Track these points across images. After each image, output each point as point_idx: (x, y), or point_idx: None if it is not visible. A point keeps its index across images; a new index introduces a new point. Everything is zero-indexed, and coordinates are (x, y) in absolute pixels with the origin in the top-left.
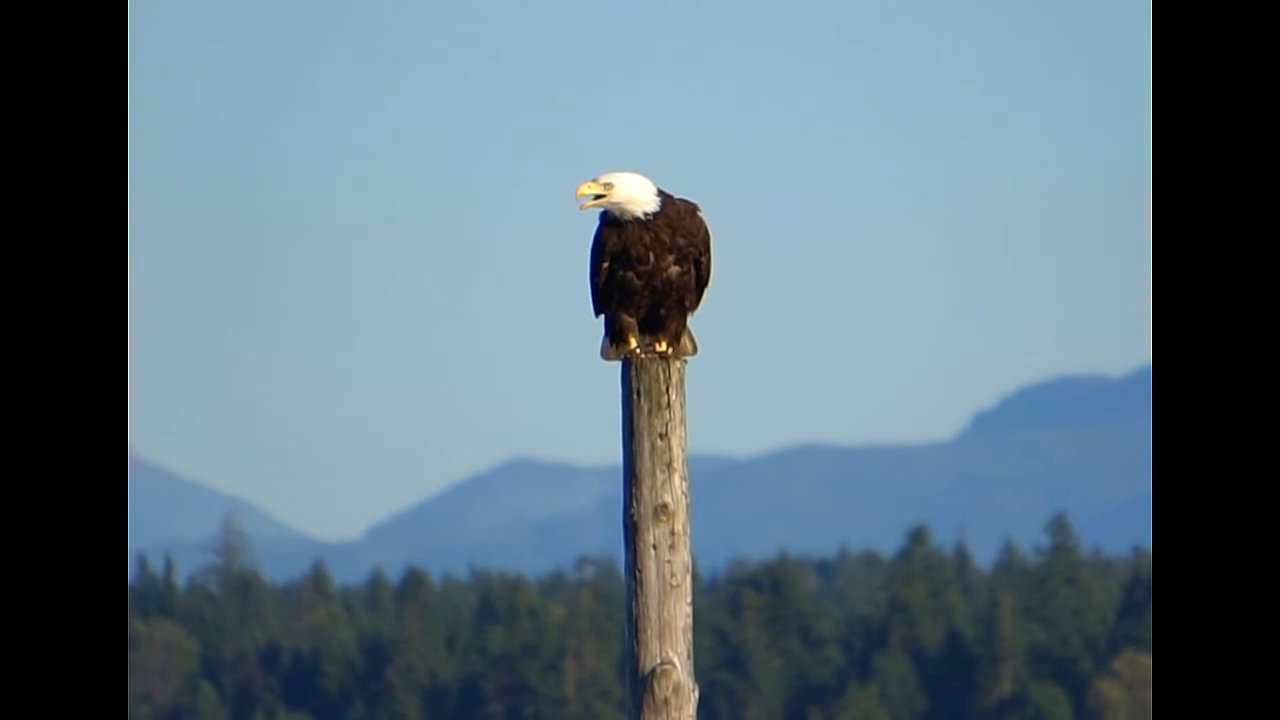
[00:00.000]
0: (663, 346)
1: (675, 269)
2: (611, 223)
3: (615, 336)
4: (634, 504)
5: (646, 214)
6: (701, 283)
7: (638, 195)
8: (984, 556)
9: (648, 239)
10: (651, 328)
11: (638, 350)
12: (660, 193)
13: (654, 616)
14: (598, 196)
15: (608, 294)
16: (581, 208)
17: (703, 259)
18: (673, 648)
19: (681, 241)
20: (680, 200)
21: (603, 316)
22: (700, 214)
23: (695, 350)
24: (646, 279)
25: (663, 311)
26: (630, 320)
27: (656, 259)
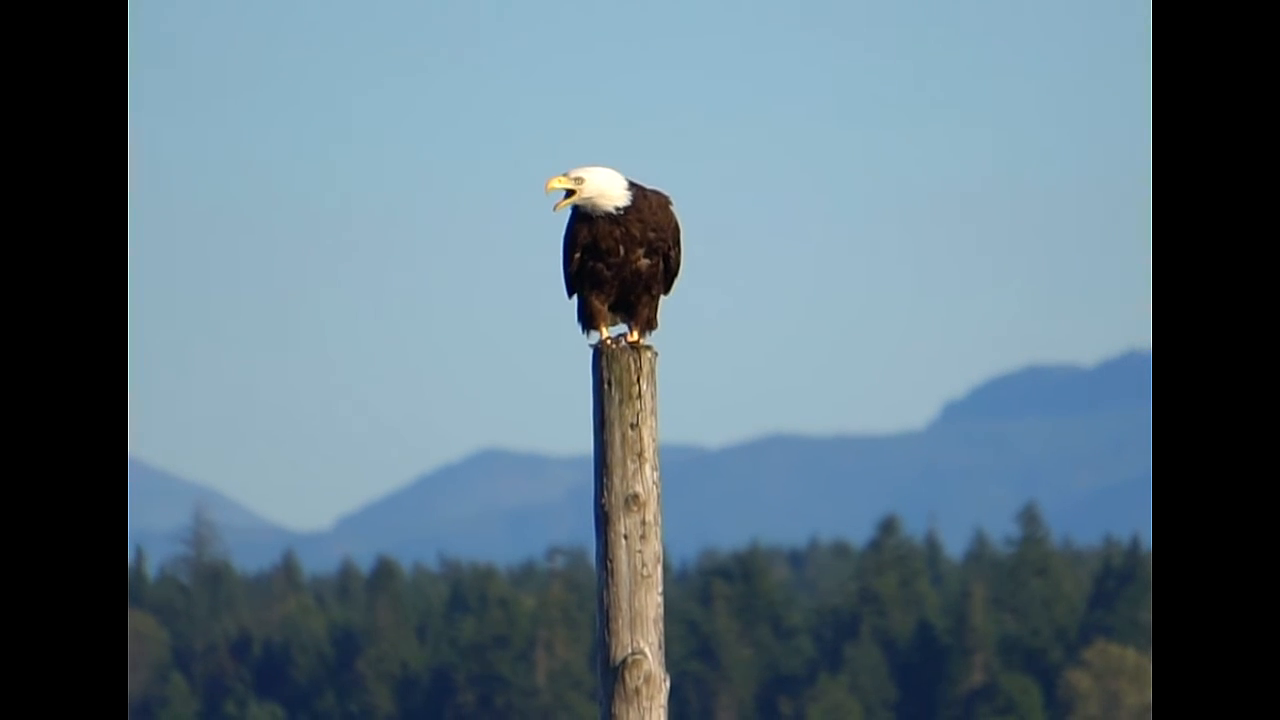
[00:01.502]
0: (634, 337)
1: (645, 262)
2: (583, 217)
3: (587, 322)
4: (605, 494)
5: (618, 209)
6: (671, 274)
7: (609, 190)
8: (954, 547)
9: (618, 234)
10: (623, 309)
11: (608, 341)
12: (632, 186)
13: (625, 606)
14: (569, 193)
15: (579, 280)
16: (554, 209)
17: (672, 252)
18: (644, 638)
19: (652, 235)
20: (652, 192)
21: (575, 296)
22: (672, 207)
23: (656, 326)
24: (616, 270)
25: (632, 298)
26: (600, 306)
27: (626, 252)
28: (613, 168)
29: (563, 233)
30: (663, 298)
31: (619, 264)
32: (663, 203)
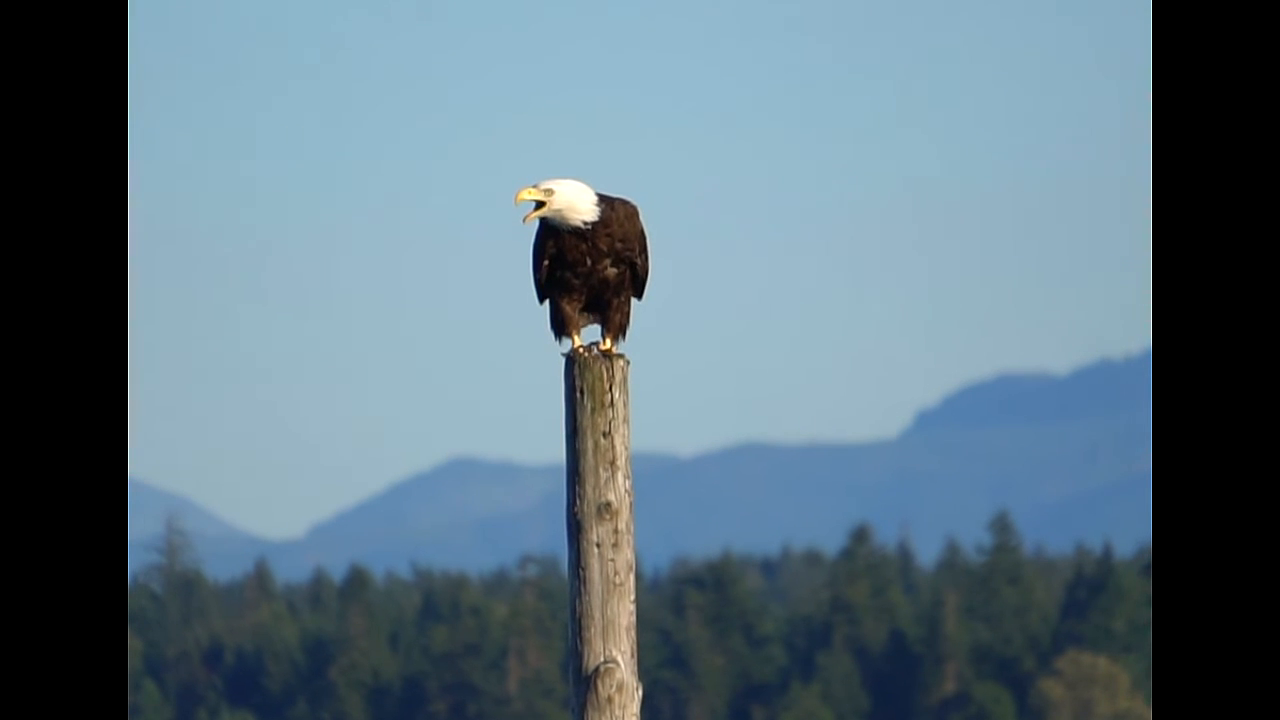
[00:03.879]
0: (607, 345)
1: (612, 271)
2: (549, 230)
3: (559, 328)
4: (577, 502)
5: (585, 223)
6: (639, 281)
7: (577, 203)
8: (926, 555)
9: (584, 248)
10: (595, 310)
11: (581, 349)
12: (601, 200)
13: (597, 615)
14: (538, 205)
15: (549, 288)
16: (524, 221)
17: (638, 260)
18: (616, 646)
19: (619, 246)
20: (620, 203)
21: (547, 303)
22: (639, 217)
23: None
24: (585, 279)
25: (603, 301)
26: (571, 312)
27: (593, 264)
28: (582, 179)
29: (531, 241)
30: (636, 302)
31: (587, 274)
32: (630, 213)
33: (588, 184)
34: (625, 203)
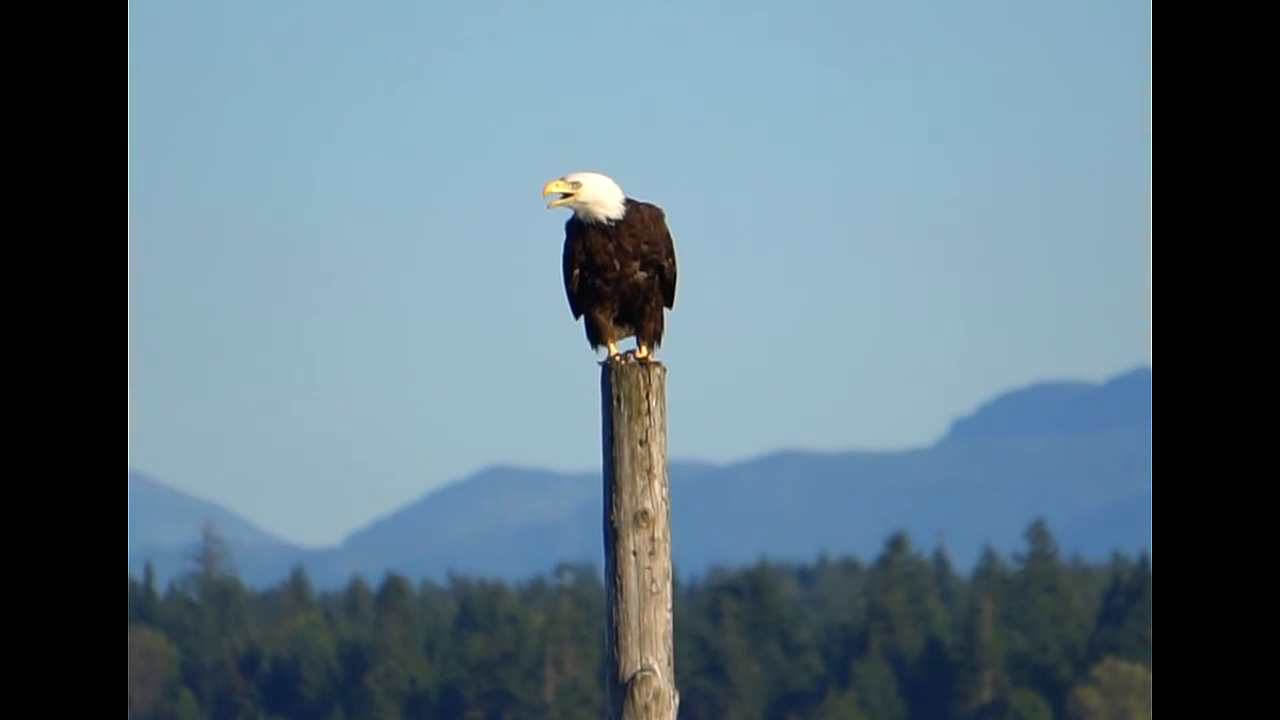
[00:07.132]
0: (643, 353)
1: (641, 275)
2: (577, 233)
3: (595, 338)
4: (614, 510)
5: (610, 219)
6: (667, 285)
7: (604, 197)
8: (963, 563)
9: (611, 248)
10: (629, 321)
11: (617, 358)
12: (627, 201)
13: (634, 623)
14: (565, 195)
15: (582, 299)
16: (549, 206)
17: (665, 263)
18: (653, 654)
19: (645, 249)
20: (645, 206)
21: (582, 317)
22: (664, 220)
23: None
24: (615, 284)
25: (635, 310)
26: (606, 321)
27: (622, 267)
28: (612, 179)
29: (561, 252)
30: (668, 311)
31: (616, 279)
32: (655, 216)
33: (617, 183)
34: (651, 206)
